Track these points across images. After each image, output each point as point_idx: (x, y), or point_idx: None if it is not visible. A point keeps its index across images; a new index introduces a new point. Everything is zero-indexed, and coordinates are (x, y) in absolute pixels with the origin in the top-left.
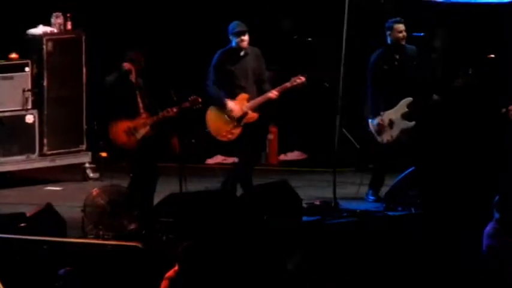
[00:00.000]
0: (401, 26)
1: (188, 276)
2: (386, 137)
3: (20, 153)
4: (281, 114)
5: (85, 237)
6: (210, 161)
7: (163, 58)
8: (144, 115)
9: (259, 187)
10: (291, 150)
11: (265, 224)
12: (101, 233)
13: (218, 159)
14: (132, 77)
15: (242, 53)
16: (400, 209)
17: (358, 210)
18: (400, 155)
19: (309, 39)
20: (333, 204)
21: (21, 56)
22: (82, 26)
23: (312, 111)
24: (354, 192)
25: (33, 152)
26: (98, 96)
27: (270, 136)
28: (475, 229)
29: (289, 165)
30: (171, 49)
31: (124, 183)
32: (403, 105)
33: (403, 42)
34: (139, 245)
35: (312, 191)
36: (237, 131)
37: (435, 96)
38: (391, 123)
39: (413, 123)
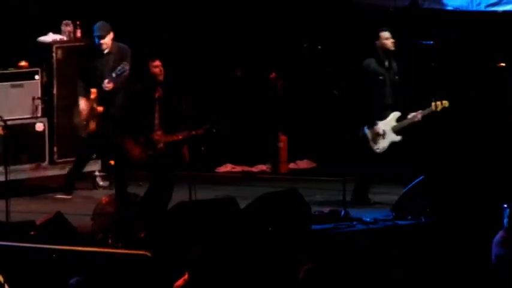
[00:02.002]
0: (387, 34)
1: (198, 285)
2: (381, 146)
3: (30, 161)
4: (291, 123)
5: (94, 245)
6: (219, 169)
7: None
8: (158, 132)
9: (269, 195)
10: (301, 159)
11: (271, 234)
12: (110, 241)
13: (228, 167)
14: (159, 90)
15: (105, 51)
16: (409, 217)
17: (368, 219)
18: (387, 166)
19: (319, 47)
20: (342, 213)
21: (31, 64)
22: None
23: (322, 119)
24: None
25: (43, 160)
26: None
27: (280, 144)
28: (484, 238)
29: (298, 173)
30: (181, 59)
31: (134, 191)
32: (393, 119)
33: (393, 48)
34: (148, 253)
35: (321, 199)
36: (91, 126)
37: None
38: (384, 134)
39: (400, 137)
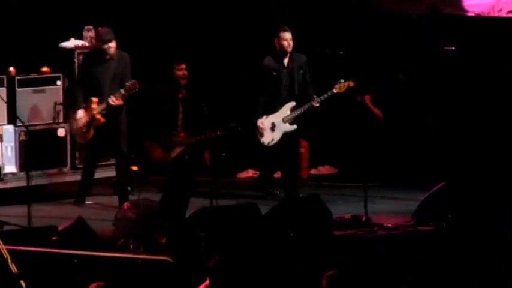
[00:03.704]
0: (286, 35)
1: None
2: (267, 139)
3: (52, 166)
4: (312, 129)
5: (116, 251)
6: (241, 174)
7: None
8: (181, 134)
9: (291, 201)
10: (322, 165)
11: (293, 240)
12: (131, 247)
13: (249, 173)
14: (182, 91)
15: (107, 57)
16: (431, 224)
17: (389, 225)
18: (283, 158)
19: (341, 52)
20: (364, 218)
21: (53, 70)
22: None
23: (344, 125)
24: (385, 207)
25: (65, 165)
26: (139, 108)
27: (301, 150)
28: (506, 244)
29: (320, 179)
30: (206, 64)
31: (155, 197)
32: (286, 109)
33: (289, 50)
34: (170, 259)
35: (342, 205)
36: (90, 134)
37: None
38: (273, 126)
39: (294, 126)
